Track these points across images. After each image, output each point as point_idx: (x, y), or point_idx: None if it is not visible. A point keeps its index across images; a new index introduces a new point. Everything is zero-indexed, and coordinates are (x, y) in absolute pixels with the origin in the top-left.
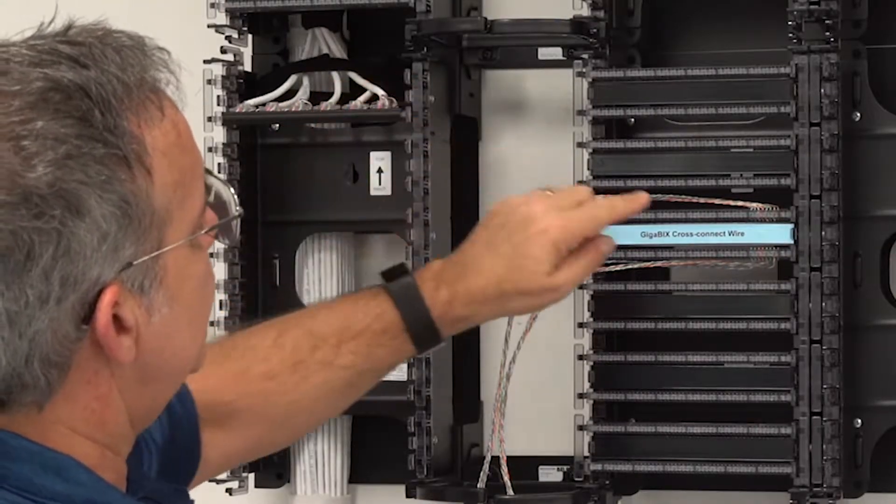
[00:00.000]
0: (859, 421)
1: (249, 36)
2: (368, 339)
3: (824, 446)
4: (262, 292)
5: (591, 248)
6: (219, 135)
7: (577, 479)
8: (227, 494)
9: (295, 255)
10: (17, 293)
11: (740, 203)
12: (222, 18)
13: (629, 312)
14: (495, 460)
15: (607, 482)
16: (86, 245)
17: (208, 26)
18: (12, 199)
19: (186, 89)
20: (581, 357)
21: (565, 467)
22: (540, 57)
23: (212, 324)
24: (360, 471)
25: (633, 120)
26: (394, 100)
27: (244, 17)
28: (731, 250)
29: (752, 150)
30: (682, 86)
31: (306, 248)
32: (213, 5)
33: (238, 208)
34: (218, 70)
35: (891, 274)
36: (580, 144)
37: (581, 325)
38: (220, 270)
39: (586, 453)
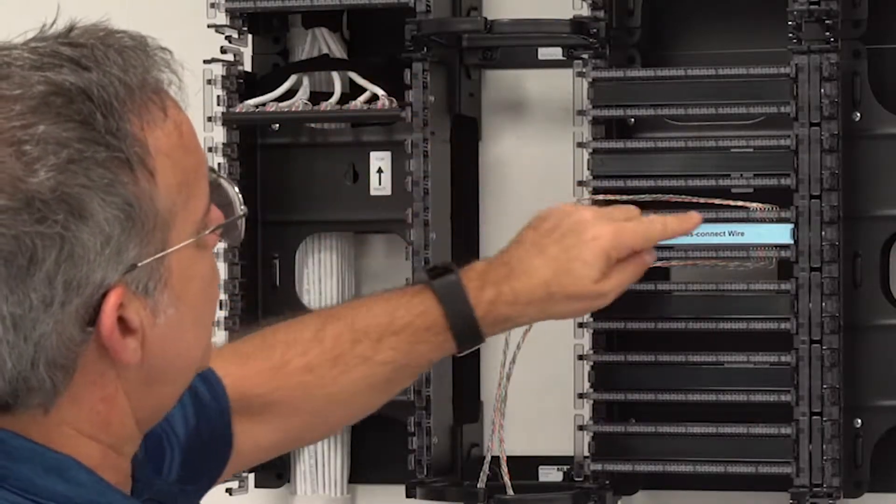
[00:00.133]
0: (859, 421)
1: (249, 36)
2: (410, 335)
3: (824, 446)
4: (262, 292)
5: (637, 259)
6: (219, 135)
7: (577, 479)
8: (228, 494)
9: (295, 255)
10: (21, 297)
11: (740, 203)
12: (222, 18)
13: (629, 312)
14: (495, 460)
15: (607, 482)
16: (89, 249)
17: (208, 26)
18: (14, 205)
19: (187, 89)
20: (581, 357)
21: (565, 467)
22: (540, 57)
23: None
24: (360, 471)
25: (633, 120)
26: (394, 100)
27: (244, 17)
28: (731, 250)
29: (752, 150)
30: (682, 86)
31: (306, 248)
32: (213, 5)
33: (243, 207)
34: (218, 70)
35: (891, 274)
36: (580, 144)
37: (581, 325)
38: (220, 270)
39: (586, 453)
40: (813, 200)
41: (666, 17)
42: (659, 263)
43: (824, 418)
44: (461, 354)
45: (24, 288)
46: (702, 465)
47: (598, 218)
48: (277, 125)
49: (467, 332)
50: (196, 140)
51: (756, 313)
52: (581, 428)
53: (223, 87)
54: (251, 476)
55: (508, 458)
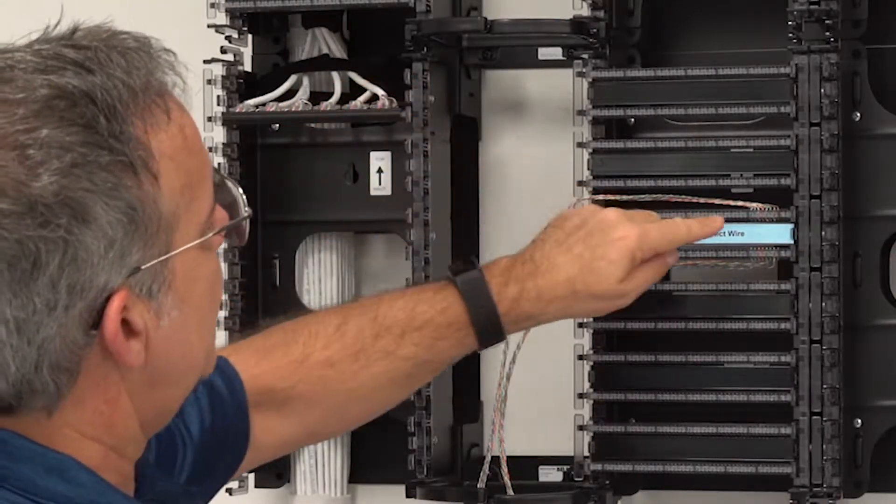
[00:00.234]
0: (859, 421)
1: (249, 36)
2: (432, 331)
3: (824, 446)
4: (262, 292)
5: (659, 260)
6: (219, 135)
7: (577, 479)
8: (228, 494)
9: (295, 255)
10: (25, 301)
11: (740, 203)
12: (222, 18)
13: (629, 312)
14: (495, 460)
15: (607, 482)
16: (92, 252)
17: (208, 26)
18: (18, 209)
19: (190, 91)
20: (581, 357)
21: (565, 467)
22: (540, 57)
23: None
24: (360, 471)
25: (633, 120)
26: (394, 100)
27: (244, 17)
28: (731, 250)
29: (752, 150)
30: (682, 86)
31: (306, 248)
32: (213, 5)
33: (247, 208)
34: (218, 70)
35: (891, 274)
36: (580, 144)
37: (581, 324)
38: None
39: (586, 453)
40: (813, 200)
41: (666, 17)
42: None
43: (824, 418)
44: (481, 351)
45: (27, 292)
46: (702, 465)
47: (623, 219)
48: (277, 125)
49: (489, 328)
50: (200, 142)
51: (756, 313)
52: (581, 428)
53: (223, 87)
54: (251, 476)
55: (508, 458)
